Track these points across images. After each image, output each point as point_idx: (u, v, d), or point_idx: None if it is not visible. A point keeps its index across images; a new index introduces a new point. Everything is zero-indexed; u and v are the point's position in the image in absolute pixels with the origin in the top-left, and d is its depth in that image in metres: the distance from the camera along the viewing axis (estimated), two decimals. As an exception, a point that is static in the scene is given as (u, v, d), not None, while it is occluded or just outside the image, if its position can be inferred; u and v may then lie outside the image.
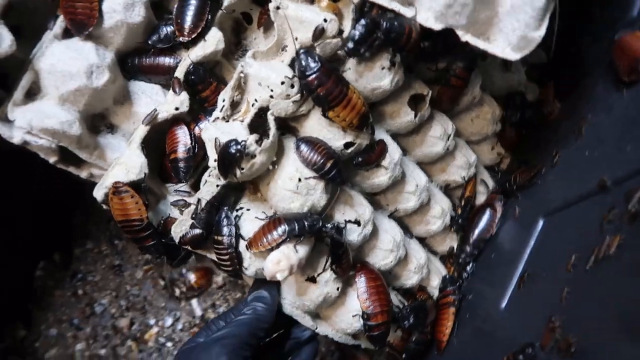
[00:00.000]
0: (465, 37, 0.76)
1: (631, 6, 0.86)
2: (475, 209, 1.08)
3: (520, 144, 1.12)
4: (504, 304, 0.85)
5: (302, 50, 0.74)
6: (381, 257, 0.92)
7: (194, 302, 1.30)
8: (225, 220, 0.77)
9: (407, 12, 0.76)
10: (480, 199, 1.11)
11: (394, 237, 0.91)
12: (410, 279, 0.99)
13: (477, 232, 1.04)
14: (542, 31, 0.73)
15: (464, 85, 0.92)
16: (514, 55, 0.76)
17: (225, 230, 0.77)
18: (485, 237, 1.03)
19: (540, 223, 0.87)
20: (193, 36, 0.82)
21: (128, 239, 0.79)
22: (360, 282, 0.86)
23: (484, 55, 0.96)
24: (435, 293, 1.05)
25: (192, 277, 1.29)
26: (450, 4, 0.73)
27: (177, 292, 1.30)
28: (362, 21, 0.74)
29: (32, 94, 0.79)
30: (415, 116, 0.88)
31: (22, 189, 1.15)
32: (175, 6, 0.83)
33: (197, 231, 0.77)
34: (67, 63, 0.76)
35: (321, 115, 0.77)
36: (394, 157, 0.88)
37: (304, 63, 0.72)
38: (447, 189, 1.07)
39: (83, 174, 0.85)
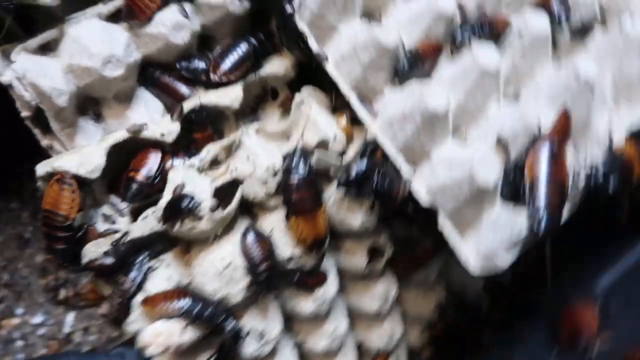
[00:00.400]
0: (444, 222, 0.77)
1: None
2: None
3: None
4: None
5: (300, 150, 0.74)
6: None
7: (70, 316, 1.20)
8: (138, 264, 0.74)
9: (407, 171, 0.78)
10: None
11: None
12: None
13: None
14: (510, 256, 0.74)
15: (426, 259, 0.93)
16: (474, 266, 0.75)
17: (133, 274, 0.73)
18: None
19: None
20: (223, 80, 0.83)
21: (42, 231, 0.75)
22: None
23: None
24: None
25: (86, 287, 1.21)
26: (445, 186, 0.75)
27: (62, 294, 1.21)
28: (364, 161, 0.75)
29: (47, 49, 0.79)
30: (367, 265, 0.87)
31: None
32: (221, 45, 0.87)
33: (109, 261, 0.73)
34: (93, 41, 0.77)
35: (284, 218, 0.77)
36: (329, 292, 0.86)
37: (294, 162, 0.73)
38: (360, 349, 1.03)
39: (44, 142, 0.82)
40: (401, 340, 1.04)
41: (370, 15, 0.84)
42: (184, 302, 0.71)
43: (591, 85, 0.77)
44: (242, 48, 0.85)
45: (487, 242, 0.75)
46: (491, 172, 0.72)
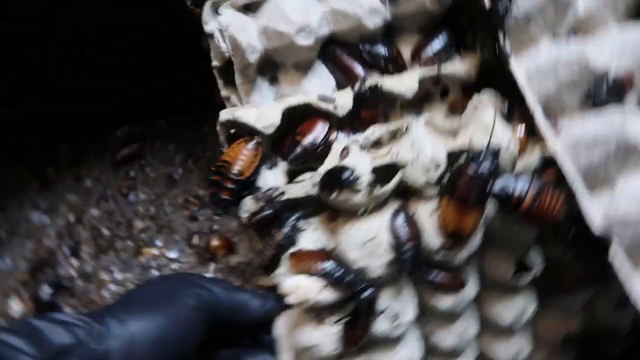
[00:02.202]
0: (616, 254, 0.71)
1: None
2: None
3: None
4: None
5: (492, 147, 0.72)
6: (386, 365, 0.86)
7: (200, 259, 1.29)
8: (292, 223, 0.76)
9: (585, 201, 0.72)
10: None
11: (411, 357, 0.84)
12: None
13: None
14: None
15: (571, 288, 0.86)
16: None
17: (286, 230, 0.76)
18: None
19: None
20: (424, 66, 0.84)
21: (212, 180, 0.78)
22: None
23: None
24: None
25: (214, 242, 1.28)
26: (627, 218, 0.69)
27: (195, 240, 1.30)
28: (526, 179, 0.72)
29: (249, 9, 0.84)
30: (511, 276, 0.83)
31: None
32: (423, 36, 0.88)
33: (267, 214, 0.76)
34: (292, 9, 0.80)
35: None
36: (468, 292, 0.83)
37: (483, 154, 0.70)
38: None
39: (224, 92, 0.87)
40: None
41: (575, 34, 0.79)
42: (328, 265, 0.72)
43: None
44: (444, 38, 0.85)
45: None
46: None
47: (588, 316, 0.99)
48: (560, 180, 0.74)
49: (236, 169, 0.75)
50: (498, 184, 0.70)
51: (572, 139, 0.72)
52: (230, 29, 0.79)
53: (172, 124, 1.42)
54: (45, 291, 1.22)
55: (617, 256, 0.71)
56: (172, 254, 1.28)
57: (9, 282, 1.24)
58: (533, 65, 0.76)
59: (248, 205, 0.78)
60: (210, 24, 0.80)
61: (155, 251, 1.29)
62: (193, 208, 1.33)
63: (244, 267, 1.27)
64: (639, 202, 0.67)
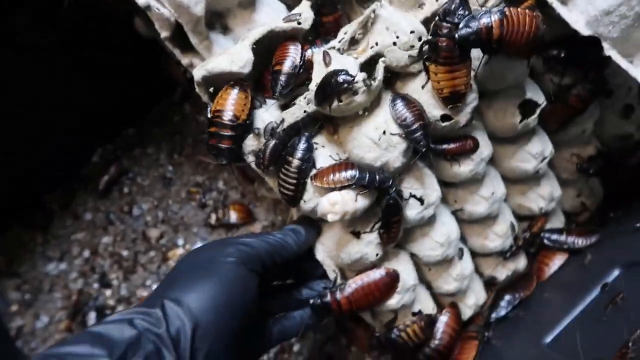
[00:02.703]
0: (610, 51, 0.72)
1: None
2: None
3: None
4: (548, 340, 0.79)
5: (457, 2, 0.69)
6: (429, 247, 0.88)
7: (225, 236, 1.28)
8: (304, 144, 0.75)
9: (562, 9, 0.73)
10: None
11: (449, 233, 0.87)
12: (448, 284, 0.94)
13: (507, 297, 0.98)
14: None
15: (581, 108, 0.88)
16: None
17: (301, 154, 0.75)
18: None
19: (616, 273, 0.81)
20: None
21: (209, 132, 0.76)
22: (443, 317, 0.93)
23: (609, 93, 0.92)
24: (467, 312, 1.00)
25: (233, 217, 1.27)
26: (608, 11, 0.70)
27: (213, 218, 1.28)
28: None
29: (171, -36, 0.80)
30: (520, 122, 0.84)
31: (106, 70, 1.18)
32: None
33: (272, 144, 0.75)
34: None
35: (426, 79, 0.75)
36: (483, 152, 0.84)
37: (453, 7, 0.68)
38: (515, 215, 1.02)
39: (185, 60, 0.85)
40: (559, 201, 1.01)
41: None
42: (352, 173, 0.73)
43: None
44: None
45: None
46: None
47: (600, 136, 1.02)
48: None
49: (230, 114, 0.74)
50: (461, 30, 0.67)
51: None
52: (165, -11, 0.76)
53: (142, 128, 1.39)
54: (92, 317, 1.21)
55: (611, 52, 0.72)
56: (198, 246, 1.27)
57: (53, 336, 1.23)
58: None
59: (251, 144, 0.77)
60: (142, -4, 0.77)
61: (180, 250, 1.28)
62: (197, 196, 1.32)
63: (269, 230, 1.27)
64: (616, -12, 0.67)
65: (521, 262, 1.03)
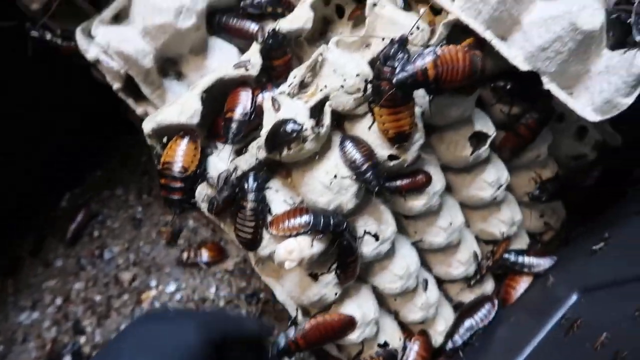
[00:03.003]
0: (549, 85, 0.75)
1: None
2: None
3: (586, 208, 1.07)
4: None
5: (399, 41, 0.71)
6: (388, 280, 0.89)
7: (197, 278, 1.28)
8: (254, 185, 0.76)
9: (500, 46, 0.75)
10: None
11: (408, 265, 0.87)
12: (414, 314, 0.95)
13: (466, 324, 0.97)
14: (630, 99, 0.71)
15: (531, 138, 0.90)
16: (593, 117, 0.74)
17: (253, 196, 0.75)
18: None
19: (574, 297, 0.82)
20: None
21: (160, 184, 0.77)
22: (413, 346, 0.93)
23: (560, 117, 0.94)
24: (438, 339, 1.00)
25: (205, 256, 1.27)
26: (544, 47, 0.72)
27: (185, 257, 1.28)
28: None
29: (120, 18, 0.81)
30: (472, 153, 0.86)
31: (70, 112, 1.18)
32: None
33: (225, 194, 0.75)
34: (160, -2, 0.79)
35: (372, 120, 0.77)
36: (435, 186, 0.86)
37: (392, 52, 0.70)
38: (478, 240, 1.03)
39: (139, 109, 0.86)
40: (521, 224, 1.02)
41: None
42: (306, 218, 0.73)
43: None
44: None
45: (602, 92, 0.72)
46: (596, 16, 0.68)
47: (557, 158, 1.04)
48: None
49: (179, 166, 0.75)
50: (398, 74, 0.68)
51: (467, -4, 0.74)
52: (112, 44, 0.77)
53: (109, 169, 1.39)
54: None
55: (550, 85, 0.74)
56: (171, 287, 1.27)
57: (29, 387, 1.21)
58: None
59: (204, 192, 0.78)
60: (90, 50, 0.78)
61: (153, 292, 1.27)
62: (168, 236, 1.31)
63: (242, 266, 1.27)
64: (548, 26, 0.70)
65: (488, 286, 1.04)
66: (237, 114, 0.78)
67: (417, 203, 0.85)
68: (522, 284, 1.02)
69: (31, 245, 1.32)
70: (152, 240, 1.32)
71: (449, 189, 0.97)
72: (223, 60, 0.87)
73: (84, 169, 1.37)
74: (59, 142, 1.23)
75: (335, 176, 0.76)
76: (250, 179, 0.75)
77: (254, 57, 0.80)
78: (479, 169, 0.92)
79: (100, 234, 1.34)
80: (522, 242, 1.07)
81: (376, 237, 0.83)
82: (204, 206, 0.77)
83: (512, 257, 1.00)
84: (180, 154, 0.74)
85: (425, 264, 1.01)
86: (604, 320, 0.74)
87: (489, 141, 0.86)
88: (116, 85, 0.82)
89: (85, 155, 1.33)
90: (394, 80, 0.67)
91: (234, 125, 0.78)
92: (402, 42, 0.70)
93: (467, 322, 0.96)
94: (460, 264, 0.97)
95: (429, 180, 0.84)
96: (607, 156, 1.04)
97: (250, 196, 0.75)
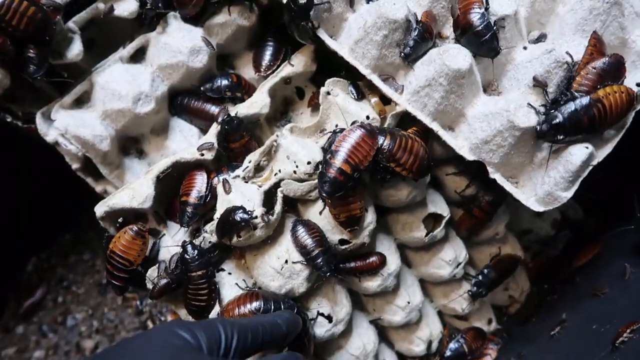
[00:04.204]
0: (494, 174, 0.77)
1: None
2: None
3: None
4: None
5: (340, 131, 0.74)
6: (345, 360, 0.88)
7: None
8: (195, 253, 0.75)
9: (447, 136, 0.77)
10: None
11: (364, 345, 0.87)
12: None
13: None
14: (570, 193, 0.73)
15: (486, 219, 0.91)
16: (537, 207, 0.75)
17: (198, 264, 0.75)
18: None
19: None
20: (268, 72, 0.88)
21: (105, 267, 0.79)
22: None
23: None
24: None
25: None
26: (487, 140, 0.74)
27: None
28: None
29: (81, 102, 0.83)
30: (426, 235, 0.87)
31: (35, 179, 1.19)
32: (255, 50, 0.91)
33: (164, 282, 0.76)
34: (120, 84, 0.81)
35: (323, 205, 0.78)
36: (389, 267, 0.86)
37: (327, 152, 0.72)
38: (441, 315, 1.03)
39: (98, 188, 0.87)
40: (484, 300, 1.03)
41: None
42: (257, 304, 0.73)
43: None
44: (272, 43, 0.89)
45: (543, 184, 0.74)
46: (532, 114, 0.71)
47: (518, 231, 1.06)
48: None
49: (124, 260, 0.76)
50: (322, 186, 0.71)
51: (412, 90, 0.77)
52: (70, 129, 0.79)
53: (77, 233, 1.38)
54: None
55: (496, 176, 0.76)
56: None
57: None
58: (351, 39, 0.79)
59: (154, 275, 0.78)
60: (49, 134, 0.80)
61: (114, 361, 1.24)
62: (134, 302, 1.30)
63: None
64: (490, 122, 0.72)
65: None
66: (192, 197, 0.80)
67: (372, 284, 0.85)
68: (487, 361, 1.01)
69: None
70: (117, 306, 1.30)
71: (408, 265, 0.98)
72: (183, 140, 0.89)
73: (51, 232, 1.36)
74: (26, 206, 1.23)
75: (286, 261, 0.76)
76: (189, 249, 0.75)
77: (213, 139, 0.82)
78: (437, 247, 0.93)
79: (64, 299, 1.32)
80: (488, 315, 1.07)
81: (330, 318, 0.82)
82: (150, 286, 0.77)
83: (453, 345, 0.99)
84: (127, 247, 0.75)
85: (386, 339, 1.00)
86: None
87: (443, 223, 0.87)
88: (75, 166, 0.83)
89: (53, 219, 1.32)
90: (323, 194, 0.71)
91: (189, 210, 0.79)
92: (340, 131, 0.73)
93: None
94: (422, 342, 0.96)
95: (382, 262, 0.84)
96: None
97: (195, 264, 0.74)
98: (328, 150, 0.73)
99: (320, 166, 0.74)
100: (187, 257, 0.74)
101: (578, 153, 0.70)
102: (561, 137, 0.70)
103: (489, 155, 0.75)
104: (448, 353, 0.98)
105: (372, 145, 0.71)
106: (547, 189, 0.73)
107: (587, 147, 0.69)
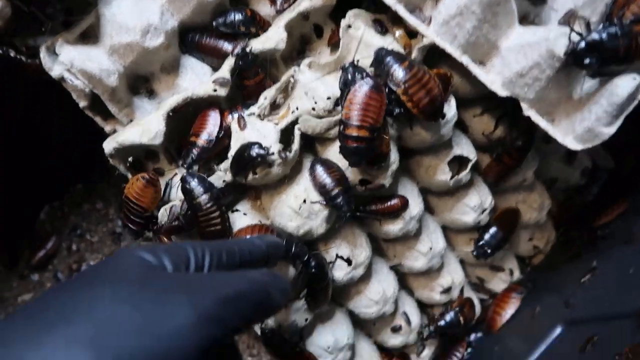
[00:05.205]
0: (528, 111, 0.71)
1: None
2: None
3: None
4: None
5: (351, 65, 0.70)
6: (364, 305, 0.86)
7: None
8: (194, 182, 0.71)
9: (478, 71, 0.72)
10: (501, 286, 1.03)
11: (384, 290, 0.84)
12: (393, 339, 0.92)
13: None
14: (612, 129, 0.67)
15: (514, 165, 0.86)
16: (574, 145, 0.70)
17: (201, 190, 0.71)
18: None
19: (558, 330, 0.78)
20: (285, 6, 0.82)
21: (122, 212, 0.78)
22: None
23: (547, 138, 0.91)
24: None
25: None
26: (522, 74, 0.68)
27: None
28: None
29: (87, 36, 0.78)
30: (451, 179, 0.82)
31: (47, 126, 1.16)
32: None
33: (173, 224, 0.74)
34: (128, 17, 0.75)
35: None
36: (412, 211, 0.82)
37: (350, 77, 0.68)
38: (463, 264, 1.00)
39: (107, 127, 0.83)
40: (508, 248, 0.99)
41: None
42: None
43: None
44: None
45: (582, 121, 0.68)
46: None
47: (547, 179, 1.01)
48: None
49: (139, 207, 0.74)
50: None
51: (441, 21, 0.70)
52: (75, 63, 0.74)
53: (90, 182, 1.36)
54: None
55: (530, 112, 0.70)
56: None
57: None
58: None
59: (164, 214, 0.76)
60: (55, 69, 0.75)
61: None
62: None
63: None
64: (526, 53, 0.67)
65: (475, 310, 1.01)
66: (201, 139, 0.75)
67: (393, 228, 0.82)
68: (509, 311, 0.99)
69: (6, 257, 1.29)
70: (131, 255, 1.29)
71: (431, 212, 0.94)
72: (195, 79, 0.84)
73: (64, 182, 1.34)
74: (39, 155, 1.21)
75: (304, 201, 0.73)
76: (188, 179, 0.71)
77: (227, 75, 0.77)
78: (461, 193, 0.89)
79: (78, 247, 1.31)
80: (511, 265, 1.04)
81: (349, 261, 0.79)
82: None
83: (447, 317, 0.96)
84: (140, 195, 0.73)
85: (406, 287, 0.98)
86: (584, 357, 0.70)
87: (469, 166, 0.83)
88: (82, 104, 0.79)
89: (66, 168, 1.30)
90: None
91: (195, 151, 0.75)
92: (354, 67, 0.69)
93: None
94: (442, 289, 0.94)
95: (404, 204, 0.80)
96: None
97: (198, 191, 0.70)
98: (340, 122, 0.68)
99: (339, 139, 0.70)
100: (188, 187, 0.71)
101: (625, 84, 0.64)
102: (594, 61, 0.64)
103: (524, 90, 0.69)
104: (442, 323, 0.95)
105: (381, 99, 0.67)
106: (587, 125, 0.67)
107: (634, 78, 0.63)
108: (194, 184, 0.71)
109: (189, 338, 0.36)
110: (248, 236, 0.71)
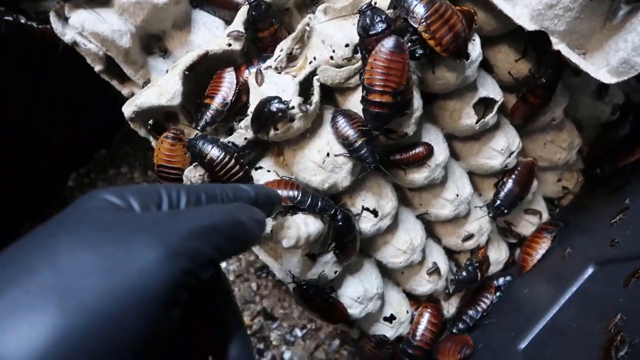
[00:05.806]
0: (558, 45, 0.68)
1: None
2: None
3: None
4: (523, 346, 0.77)
5: (369, 7, 0.66)
6: (392, 255, 0.86)
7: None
8: (203, 141, 0.71)
9: (503, 4, 0.68)
10: (530, 229, 1.01)
11: (411, 239, 0.84)
12: (421, 286, 0.92)
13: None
14: (649, 58, 0.63)
15: (541, 105, 0.83)
16: (609, 79, 0.67)
17: (209, 146, 0.70)
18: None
19: (590, 270, 0.77)
20: None
21: (158, 174, 0.76)
22: (424, 315, 0.93)
23: (576, 71, 0.87)
24: (450, 309, 0.98)
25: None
26: (552, 4, 0.64)
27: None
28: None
29: (95, -3, 0.76)
30: (477, 122, 0.80)
31: (67, 96, 1.16)
32: None
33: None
34: (135, -28, 0.73)
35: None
36: (437, 158, 0.80)
37: (368, 20, 0.65)
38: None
39: (125, 90, 0.82)
40: (537, 190, 0.97)
41: None
42: (294, 193, 0.70)
43: None
44: None
45: (617, 51, 0.64)
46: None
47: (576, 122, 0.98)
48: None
49: (174, 170, 0.73)
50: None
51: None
52: (86, 25, 0.73)
53: (114, 148, 1.37)
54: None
55: (560, 46, 0.67)
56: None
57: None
58: None
59: (190, 176, 0.74)
60: (67, 33, 0.74)
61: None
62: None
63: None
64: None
65: (503, 253, 1.01)
66: (216, 102, 0.74)
67: (419, 176, 0.80)
68: (540, 251, 0.98)
69: (37, 225, 1.32)
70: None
71: (456, 158, 0.92)
72: (208, 34, 0.82)
73: (88, 148, 1.35)
74: (63, 122, 1.21)
75: (328, 154, 0.72)
76: (193, 142, 0.70)
77: (240, 28, 0.75)
78: (488, 136, 0.86)
79: (107, 212, 1.33)
80: (539, 207, 1.02)
81: (375, 213, 0.79)
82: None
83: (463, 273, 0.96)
84: (169, 155, 0.72)
85: (434, 235, 0.97)
86: (618, 296, 0.69)
87: (496, 107, 0.80)
88: (97, 68, 0.78)
89: (89, 134, 1.31)
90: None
91: (209, 114, 0.74)
92: (372, 9, 0.65)
93: (471, 311, 0.95)
94: (470, 235, 0.93)
95: (430, 152, 0.79)
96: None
97: (205, 149, 0.69)
98: (363, 86, 0.66)
99: (361, 102, 0.67)
100: (195, 150, 0.70)
101: (664, 8, 0.60)
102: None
103: (554, 23, 0.65)
104: (463, 274, 0.95)
105: (403, 60, 0.63)
106: (622, 56, 0.64)
107: (675, 1, 0.59)
108: (199, 144, 0.70)
109: (158, 274, 0.35)
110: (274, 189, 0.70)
